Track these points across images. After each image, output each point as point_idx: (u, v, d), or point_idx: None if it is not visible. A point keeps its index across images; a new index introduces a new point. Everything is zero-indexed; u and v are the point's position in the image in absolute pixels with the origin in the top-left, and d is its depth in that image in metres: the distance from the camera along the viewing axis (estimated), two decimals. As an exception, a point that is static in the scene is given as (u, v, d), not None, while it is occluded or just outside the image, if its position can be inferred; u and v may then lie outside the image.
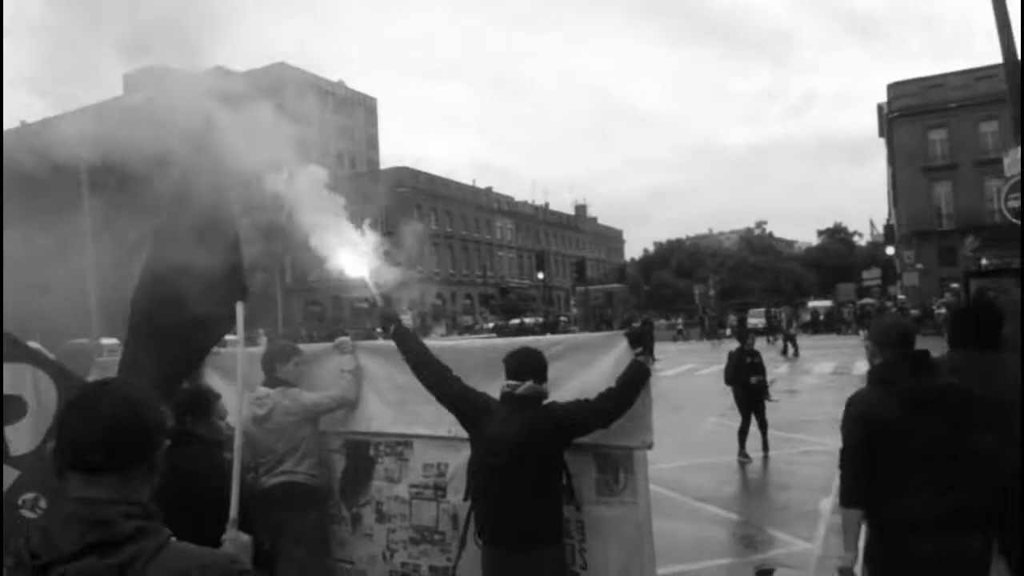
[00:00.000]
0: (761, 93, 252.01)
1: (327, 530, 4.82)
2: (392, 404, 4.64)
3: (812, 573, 6.22)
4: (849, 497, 3.49)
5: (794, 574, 6.35)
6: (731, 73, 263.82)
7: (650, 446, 3.83)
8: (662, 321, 59.89)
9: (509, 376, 3.75)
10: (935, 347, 3.86)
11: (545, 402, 3.76)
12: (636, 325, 4.35)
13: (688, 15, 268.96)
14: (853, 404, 3.53)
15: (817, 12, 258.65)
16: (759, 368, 11.42)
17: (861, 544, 3.57)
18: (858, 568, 3.56)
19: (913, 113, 51.43)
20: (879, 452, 3.40)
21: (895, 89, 52.95)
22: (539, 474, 3.63)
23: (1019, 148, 8.15)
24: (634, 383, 3.72)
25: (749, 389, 11.18)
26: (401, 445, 4.60)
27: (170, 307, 3.50)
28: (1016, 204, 8.41)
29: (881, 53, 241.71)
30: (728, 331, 42.19)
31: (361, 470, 4.75)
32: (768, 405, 11.44)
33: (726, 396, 18.04)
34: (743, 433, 10.95)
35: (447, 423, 4.13)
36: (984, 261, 22.15)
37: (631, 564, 3.83)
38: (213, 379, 4.83)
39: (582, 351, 4.11)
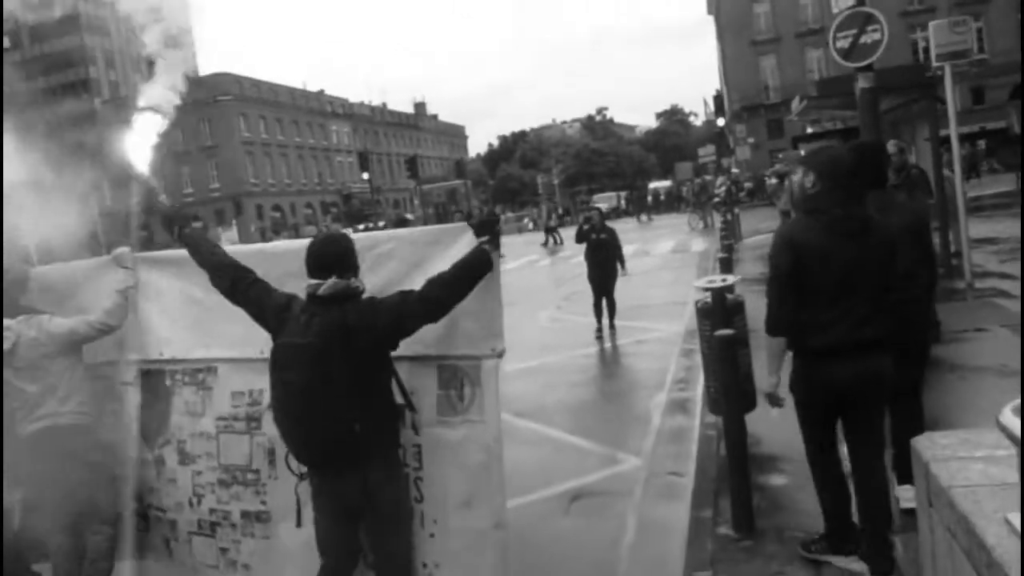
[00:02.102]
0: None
1: (113, 472, 4.13)
2: (187, 325, 4.03)
3: (638, 498, 5.24)
4: (774, 327, 3.58)
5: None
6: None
7: (500, 354, 3.33)
8: (509, 214, 59.28)
9: (310, 274, 3.14)
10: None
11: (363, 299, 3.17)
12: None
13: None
14: (783, 232, 3.59)
15: None
16: (606, 245, 11.34)
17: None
18: (782, 391, 3.68)
19: (738, -13, 51.72)
20: (804, 280, 3.46)
21: (720, -37, 52.93)
22: (352, 387, 3.02)
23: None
24: (471, 271, 3.19)
25: (596, 266, 11.27)
26: (203, 372, 4.00)
27: None
28: (845, 44, 7.46)
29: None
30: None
31: (157, 405, 4.13)
32: (619, 282, 11.43)
33: (564, 287, 17.39)
34: (597, 308, 11.21)
35: (259, 342, 3.43)
36: (809, 129, 22.16)
37: (476, 493, 3.35)
38: None
39: (418, 247, 3.51)
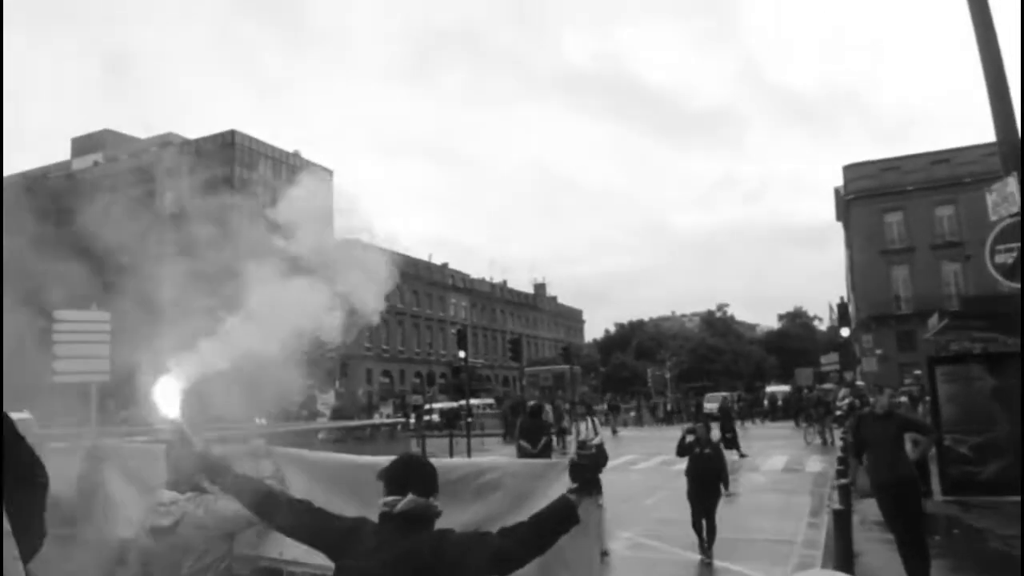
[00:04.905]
0: (712, 177, 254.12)
1: None
2: None
3: None
4: None
5: None
6: (677, 155, 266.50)
7: None
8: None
9: (388, 491, 2.89)
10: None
11: (438, 527, 2.89)
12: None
13: (626, 92, 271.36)
14: None
15: (755, 94, 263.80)
16: (710, 461, 10.50)
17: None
18: None
19: (869, 196, 50.92)
20: None
21: (851, 171, 52.50)
22: None
23: (1014, 179, 5.79)
24: (551, 526, 2.88)
25: (698, 484, 10.40)
26: None
27: None
28: (1007, 259, 6.04)
29: (826, 140, 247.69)
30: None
31: None
32: (722, 501, 10.55)
33: (658, 495, 15.53)
34: (697, 527, 10.28)
35: None
36: (954, 346, 20.17)
37: None
38: (113, 480, 4.18)
39: (522, 479, 3.47)
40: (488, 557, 2.79)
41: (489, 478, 3.45)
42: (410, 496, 2.83)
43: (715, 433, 11.23)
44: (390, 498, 2.87)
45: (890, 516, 7.78)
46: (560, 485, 3.18)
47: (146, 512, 3.82)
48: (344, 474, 3.55)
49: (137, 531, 3.84)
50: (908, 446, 8.05)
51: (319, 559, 3.59)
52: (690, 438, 10.73)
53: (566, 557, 3.04)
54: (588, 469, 3.04)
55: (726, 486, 10.69)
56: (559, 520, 2.89)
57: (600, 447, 10.35)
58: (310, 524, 3.09)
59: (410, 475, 2.93)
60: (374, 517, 2.98)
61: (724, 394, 45.24)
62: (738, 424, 28.82)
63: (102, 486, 4.22)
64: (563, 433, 26.48)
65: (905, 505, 7.64)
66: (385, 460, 3.77)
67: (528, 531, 2.86)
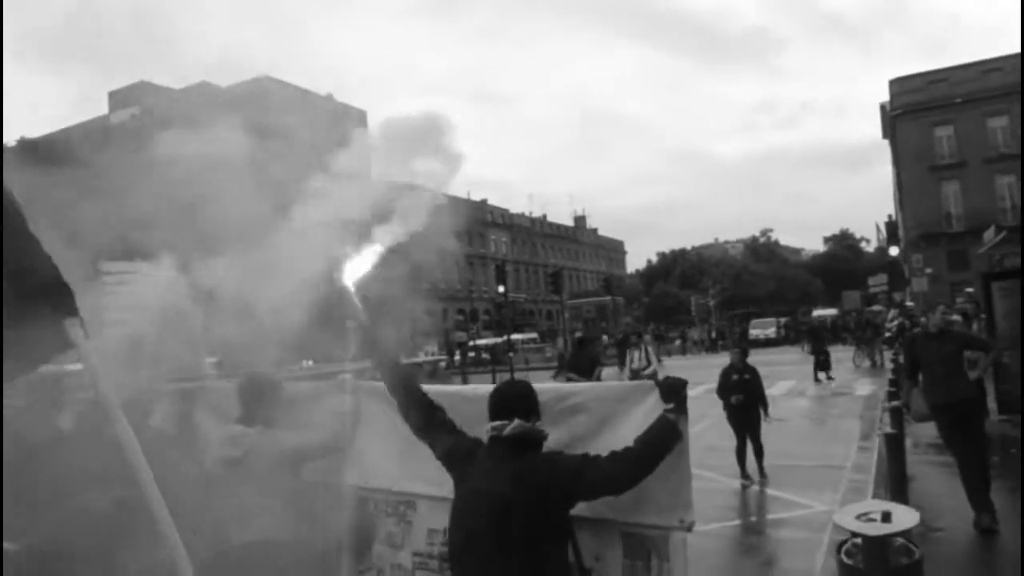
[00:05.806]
0: (752, 102, 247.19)
1: None
2: (393, 457, 4.05)
3: None
4: None
5: None
6: (717, 80, 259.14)
7: (690, 527, 3.12)
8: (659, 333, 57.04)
9: (493, 416, 3.09)
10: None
11: (546, 450, 3.09)
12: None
13: (663, 17, 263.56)
14: None
15: (792, 14, 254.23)
16: (748, 386, 10.55)
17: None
18: None
19: (917, 110, 48.80)
20: None
21: (897, 85, 50.33)
22: (530, 543, 2.87)
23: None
24: (658, 444, 3.01)
25: (734, 408, 10.53)
26: (404, 505, 4.08)
27: None
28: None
29: (868, 56, 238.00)
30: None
31: (362, 530, 4.15)
32: (764, 428, 10.59)
33: (704, 423, 15.36)
34: (740, 454, 10.39)
35: (450, 482, 3.34)
36: (1007, 262, 19.45)
37: None
38: (201, 417, 4.41)
39: (606, 402, 3.42)
40: (600, 477, 2.96)
41: (573, 401, 3.48)
42: (517, 421, 3.01)
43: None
44: (498, 422, 3.05)
45: (949, 438, 7.45)
46: (643, 407, 3.23)
47: (218, 445, 4.01)
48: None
49: (211, 463, 4.03)
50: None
51: (403, 486, 3.97)
52: (736, 399, 10.48)
53: (661, 472, 3.06)
54: (678, 387, 3.11)
55: (766, 411, 10.55)
56: (665, 439, 3.02)
57: (654, 376, 10.13)
58: (443, 436, 3.31)
59: (514, 400, 3.13)
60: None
61: (823, 312, 44.67)
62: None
63: (193, 424, 4.42)
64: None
65: (967, 426, 7.30)
66: (467, 389, 3.92)
67: (638, 453, 2.99)
